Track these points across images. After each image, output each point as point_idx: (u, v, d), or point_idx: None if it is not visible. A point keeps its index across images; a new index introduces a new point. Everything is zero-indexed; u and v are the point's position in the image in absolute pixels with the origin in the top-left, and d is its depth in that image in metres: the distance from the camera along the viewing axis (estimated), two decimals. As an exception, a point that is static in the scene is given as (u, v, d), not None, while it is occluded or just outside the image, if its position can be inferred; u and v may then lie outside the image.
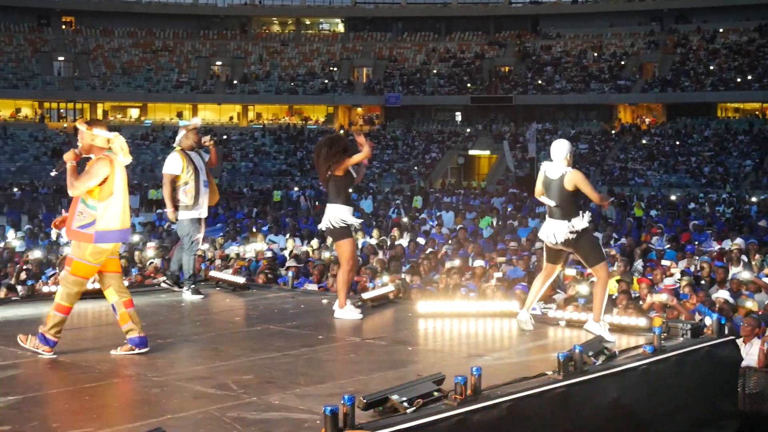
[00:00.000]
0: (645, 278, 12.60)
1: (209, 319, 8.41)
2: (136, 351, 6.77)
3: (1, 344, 7.04)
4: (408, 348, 7.25)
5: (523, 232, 20.52)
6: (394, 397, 4.92)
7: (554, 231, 7.66)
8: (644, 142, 59.48)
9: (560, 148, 7.76)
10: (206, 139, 10.02)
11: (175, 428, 4.10)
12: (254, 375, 6.08)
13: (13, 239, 20.77)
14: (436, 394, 5.11)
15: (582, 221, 7.65)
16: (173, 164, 9.52)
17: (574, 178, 7.62)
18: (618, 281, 11.85)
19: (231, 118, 70.04)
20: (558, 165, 7.73)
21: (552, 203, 7.69)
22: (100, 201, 6.83)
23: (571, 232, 7.57)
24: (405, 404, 4.90)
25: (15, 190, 46.82)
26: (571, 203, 7.68)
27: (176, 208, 9.53)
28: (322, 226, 8.68)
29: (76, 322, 8.28)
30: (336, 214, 8.44)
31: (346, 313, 8.45)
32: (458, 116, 68.73)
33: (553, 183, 7.70)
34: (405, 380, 5.37)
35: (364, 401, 4.79)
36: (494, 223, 24.98)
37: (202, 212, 9.74)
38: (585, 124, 64.19)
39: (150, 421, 4.81)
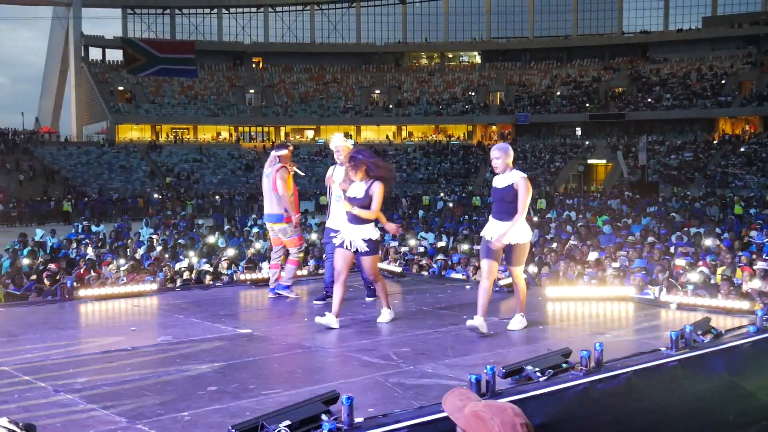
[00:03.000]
0: (747, 267, 12.06)
1: (372, 302, 8.46)
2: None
3: (209, 321, 7.28)
4: (539, 327, 7.13)
5: (636, 228, 20.05)
6: (529, 367, 4.84)
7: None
8: (743, 150, 57.15)
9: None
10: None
11: (347, 391, 4.12)
12: (410, 348, 6.08)
13: (218, 238, 21.40)
14: (564, 365, 5.01)
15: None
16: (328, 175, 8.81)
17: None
18: (723, 271, 11.37)
19: (387, 136, 70.77)
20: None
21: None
22: None
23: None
24: (538, 374, 4.82)
25: (217, 198, 48.40)
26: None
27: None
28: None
29: (264, 305, 8.50)
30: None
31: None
32: (578, 131, 67.62)
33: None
34: (537, 353, 5.27)
35: (504, 371, 4.73)
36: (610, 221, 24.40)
37: (329, 222, 8.53)
38: (689, 135, 62.03)
39: (326, 384, 4.86)
